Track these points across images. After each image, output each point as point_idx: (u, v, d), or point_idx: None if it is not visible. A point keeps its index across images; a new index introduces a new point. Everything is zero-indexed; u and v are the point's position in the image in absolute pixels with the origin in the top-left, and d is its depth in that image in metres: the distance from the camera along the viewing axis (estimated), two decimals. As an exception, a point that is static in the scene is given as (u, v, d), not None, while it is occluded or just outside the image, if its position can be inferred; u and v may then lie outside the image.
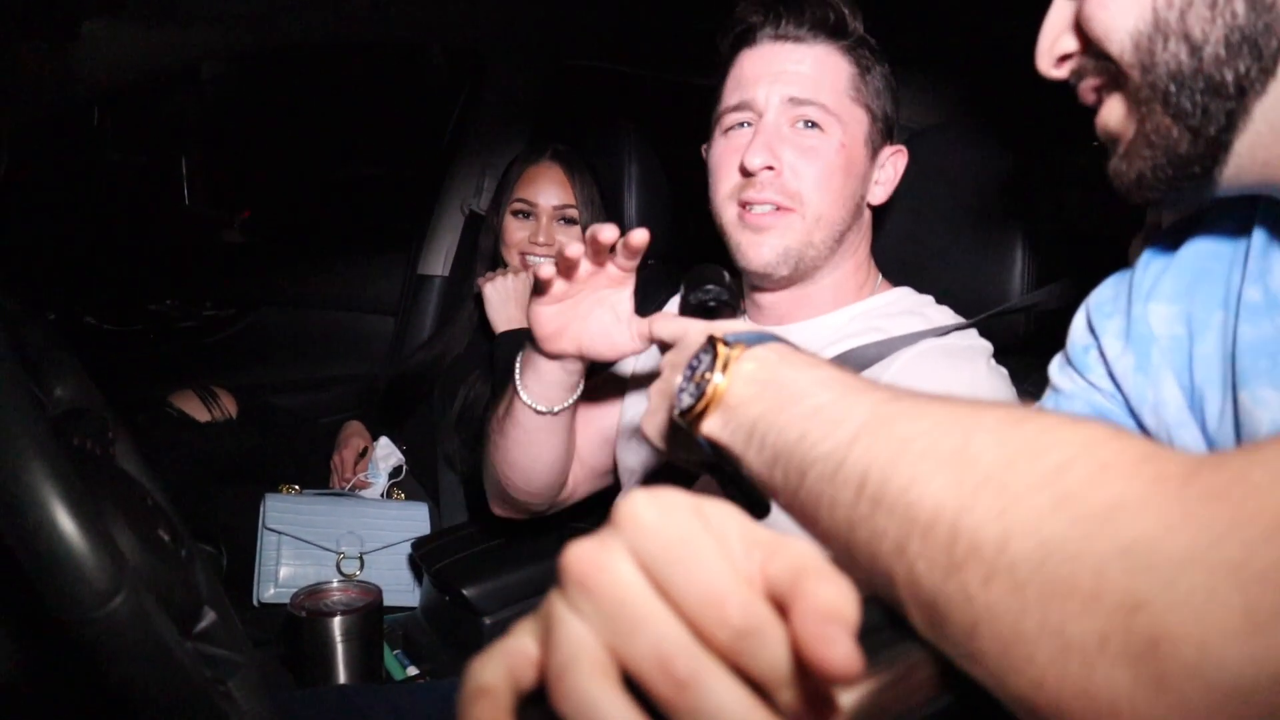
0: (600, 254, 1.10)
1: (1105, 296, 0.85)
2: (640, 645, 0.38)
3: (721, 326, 0.86)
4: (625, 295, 1.14)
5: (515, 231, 2.08)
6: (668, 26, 2.25)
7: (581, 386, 1.27)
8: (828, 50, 1.25)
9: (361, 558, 1.92)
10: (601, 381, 1.53)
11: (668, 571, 0.40)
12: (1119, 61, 0.69)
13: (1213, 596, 0.36)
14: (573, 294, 1.14)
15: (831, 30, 1.24)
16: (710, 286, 1.09)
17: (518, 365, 1.25)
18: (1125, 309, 0.82)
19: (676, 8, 2.11)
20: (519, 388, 1.25)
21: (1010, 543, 0.42)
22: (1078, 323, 0.87)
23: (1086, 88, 0.75)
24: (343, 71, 3.70)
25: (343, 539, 1.93)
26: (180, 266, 2.88)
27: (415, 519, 2.03)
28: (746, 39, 1.28)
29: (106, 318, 2.59)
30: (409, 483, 2.19)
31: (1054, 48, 0.75)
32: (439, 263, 2.63)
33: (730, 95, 1.28)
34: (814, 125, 1.23)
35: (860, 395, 0.58)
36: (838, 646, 0.36)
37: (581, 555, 0.41)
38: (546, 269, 1.10)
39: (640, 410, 1.46)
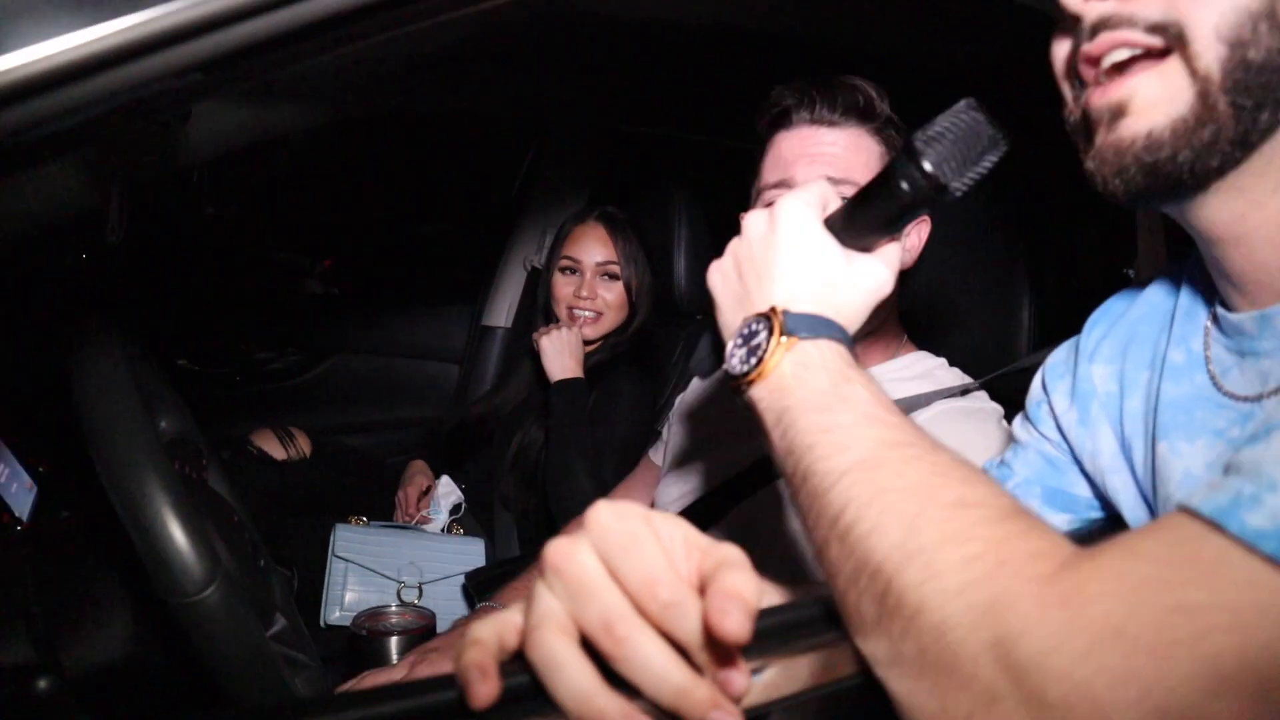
0: None
1: (1059, 359, 0.96)
2: (592, 612, 0.52)
3: (803, 274, 0.79)
4: None
5: (562, 287, 2.26)
6: (716, 94, 2.42)
7: None
8: (858, 132, 1.34)
9: (420, 587, 2.07)
10: (638, 469, 1.68)
11: (617, 559, 0.53)
12: (1197, 31, 0.64)
13: (1042, 704, 0.46)
14: None
15: (861, 113, 1.34)
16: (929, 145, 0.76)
17: None
18: (1073, 369, 0.93)
19: (724, 77, 2.26)
20: None
21: (922, 613, 0.53)
22: (1035, 381, 0.98)
23: (1111, 40, 0.68)
24: (418, 131, 3.92)
25: (404, 569, 2.08)
26: (265, 314, 3.10)
27: (471, 553, 2.18)
28: (783, 121, 1.38)
29: (198, 361, 2.82)
30: (467, 519, 2.34)
31: None
32: (502, 315, 2.81)
33: (770, 173, 1.38)
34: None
35: (867, 428, 0.65)
36: (732, 618, 0.49)
37: (557, 547, 0.55)
38: None
39: (678, 444, 1.61)
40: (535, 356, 2.25)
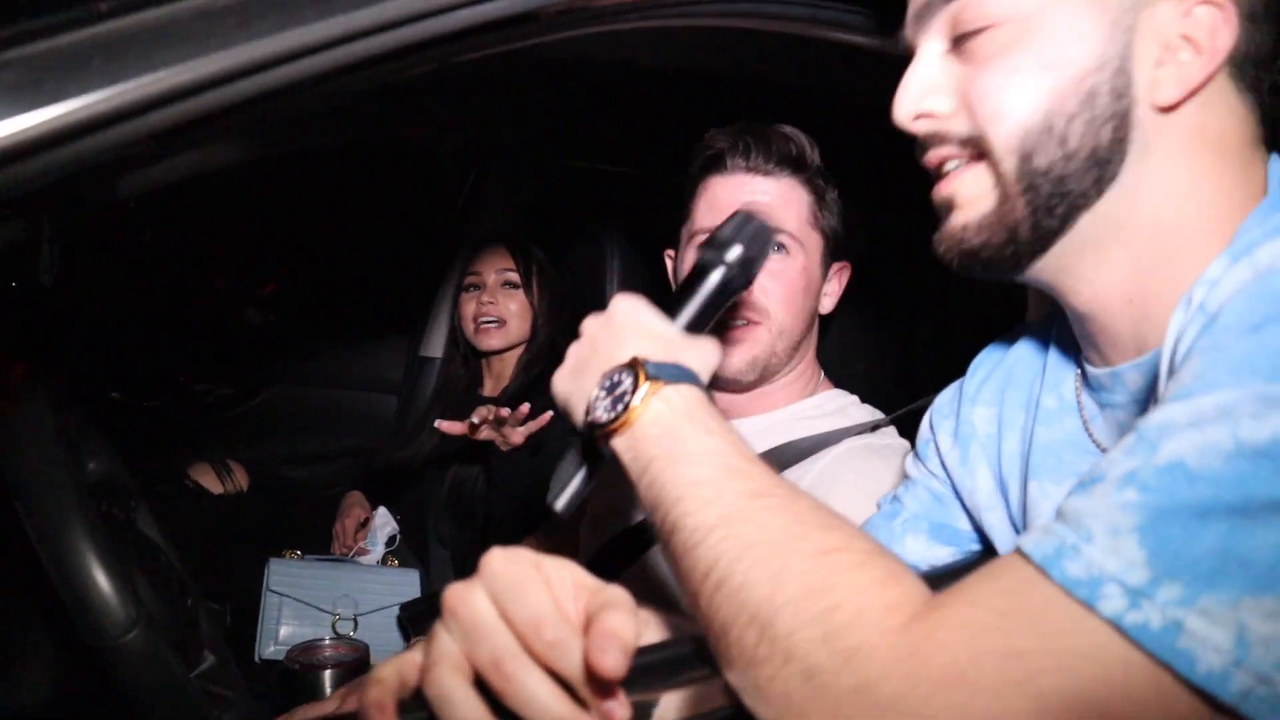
0: None
1: (945, 400, 1.03)
2: (483, 651, 0.57)
3: (651, 341, 0.84)
4: None
5: (466, 305, 2.38)
6: (648, 129, 2.48)
7: None
8: (791, 182, 1.39)
9: (355, 619, 2.08)
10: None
11: (507, 602, 0.58)
12: (994, 144, 0.75)
13: None
14: None
15: (794, 163, 1.39)
16: (752, 221, 0.95)
17: None
18: (956, 411, 0.99)
19: (656, 113, 2.33)
20: None
21: (791, 660, 0.57)
22: (924, 422, 1.05)
23: (937, 155, 0.80)
24: (358, 160, 3.94)
25: (339, 601, 2.09)
26: (202, 344, 3.08)
27: (407, 584, 2.19)
28: (717, 165, 1.41)
29: (133, 393, 2.79)
30: (401, 550, 2.36)
31: (922, 102, 0.79)
32: (440, 346, 2.83)
33: (704, 217, 1.41)
34: (781, 248, 1.38)
35: (731, 481, 0.68)
36: (609, 656, 0.54)
37: (453, 591, 0.59)
38: None
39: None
40: (455, 386, 2.38)
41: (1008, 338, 0.99)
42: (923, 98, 0.79)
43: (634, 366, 0.78)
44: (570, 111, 2.48)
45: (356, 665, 1.74)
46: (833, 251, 1.46)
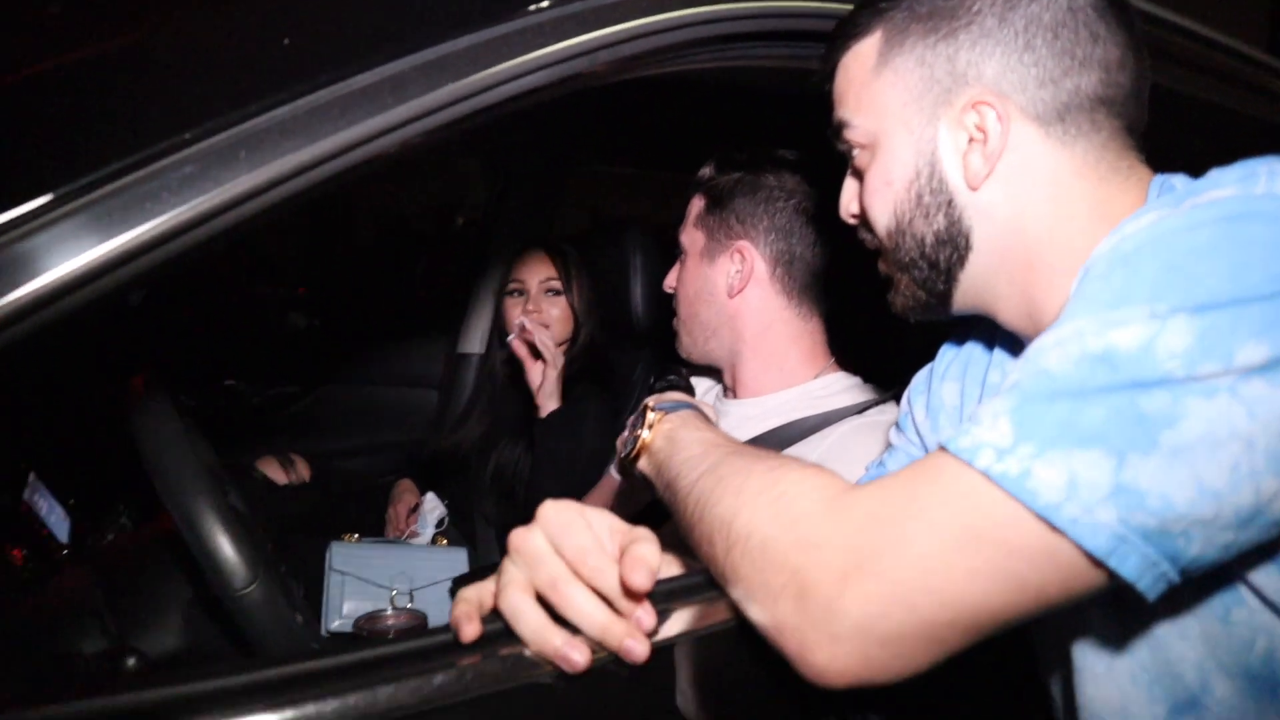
0: None
1: (920, 379, 1.21)
2: (542, 575, 0.76)
3: (657, 397, 1.21)
4: None
5: (511, 309, 2.53)
6: (663, 131, 2.65)
7: None
8: (693, 198, 1.72)
9: (411, 593, 2.28)
10: (602, 483, 1.99)
11: (558, 539, 0.77)
12: (878, 242, 1.02)
13: (830, 564, 0.72)
14: None
15: (696, 185, 1.73)
16: (671, 377, 1.50)
17: None
18: (929, 388, 1.17)
19: (668, 115, 2.49)
20: None
21: (752, 535, 0.78)
22: (904, 397, 1.23)
23: (867, 240, 1.05)
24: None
25: (395, 578, 2.29)
26: (253, 348, 3.29)
27: (456, 561, 2.39)
28: None
29: (197, 398, 3.01)
30: (450, 531, 2.56)
31: (847, 208, 1.07)
32: (476, 342, 3.02)
33: None
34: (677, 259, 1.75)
35: (711, 450, 0.93)
36: (638, 573, 0.73)
37: (517, 532, 0.79)
38: None
39: None
40: (497, 379, 2.54)
41: (971, 324, 1.16)
42: (847, 205, 1.06)
43: (644, 409, 1.12)
44: (589, 119, 2.65)
45: (418, 629, 1.95)
46: (726, 235, 1.67)
